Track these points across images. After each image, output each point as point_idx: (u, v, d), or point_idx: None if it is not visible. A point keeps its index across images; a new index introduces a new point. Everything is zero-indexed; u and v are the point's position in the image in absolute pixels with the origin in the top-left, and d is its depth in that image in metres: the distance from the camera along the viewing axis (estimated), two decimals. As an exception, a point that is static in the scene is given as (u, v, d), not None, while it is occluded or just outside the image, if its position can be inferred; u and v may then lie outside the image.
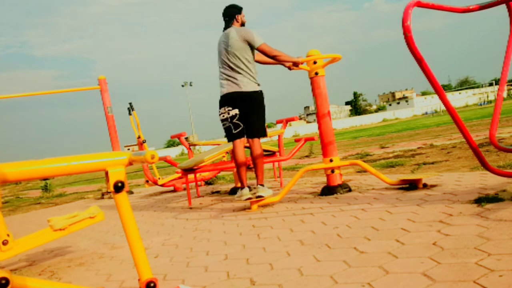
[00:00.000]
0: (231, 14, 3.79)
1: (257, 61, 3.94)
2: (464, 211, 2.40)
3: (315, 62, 3.67)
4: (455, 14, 2.49)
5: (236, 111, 3.69)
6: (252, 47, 3.69)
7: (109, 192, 4.38)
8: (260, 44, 3.63)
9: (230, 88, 3.69)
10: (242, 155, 3.74)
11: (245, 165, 3.74)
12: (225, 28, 3.82)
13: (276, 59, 3.70)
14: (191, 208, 4.37)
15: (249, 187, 3.71)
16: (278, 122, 5.28)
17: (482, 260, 1.63)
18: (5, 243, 2.03)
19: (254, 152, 3.72)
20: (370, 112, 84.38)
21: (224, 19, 3.83)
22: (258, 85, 3.76)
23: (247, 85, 3.66)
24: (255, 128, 3.72)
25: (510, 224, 2.01)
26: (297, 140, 4.89)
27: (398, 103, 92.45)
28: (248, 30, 3.68)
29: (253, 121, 3.71)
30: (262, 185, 3.69)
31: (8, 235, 2.05)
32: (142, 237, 2.72)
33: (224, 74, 3.74)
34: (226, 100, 3.71)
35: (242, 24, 3.84)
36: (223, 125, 3.79)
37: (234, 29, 3.70)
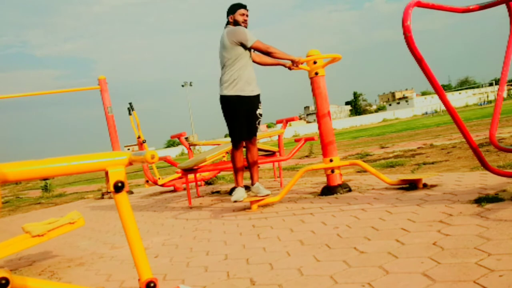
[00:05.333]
0: (227, 14, 3.78)
1: (257, 63, 3.92)
2: (464, 211, 2.40)
3: (315, 62, 3.67)
4: (455, 14, 2.50)
5: None
6: (245, 48, 3.63)
7: (109, 192, 4.38)
8: (254, 42, 3.60)
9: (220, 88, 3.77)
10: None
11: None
12: (225, 27, 3.80)
13: (272, 56, 3.69)
14: (191, 208, 4.37)
15: (246, 186, 3.73)
16: (278, 122, 5.28)
17: (482, 260, 1.63)
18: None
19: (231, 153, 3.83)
20: (370, 112, 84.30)
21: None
22: (236, 88, 3.63)
23: (223, 89, 3.70)
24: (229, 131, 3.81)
25: (510, 224, 2.01)
26: (297, 140, 4.89)
27: (398, 103, 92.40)
28: (240, 30, 3.60)
29: (227, 125, 3.80)
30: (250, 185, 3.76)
31: None
32: (142, 237, 2.72)
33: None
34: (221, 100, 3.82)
35: (237, 24, 3.71)
36: None
37: (226, 30, 3.67)
